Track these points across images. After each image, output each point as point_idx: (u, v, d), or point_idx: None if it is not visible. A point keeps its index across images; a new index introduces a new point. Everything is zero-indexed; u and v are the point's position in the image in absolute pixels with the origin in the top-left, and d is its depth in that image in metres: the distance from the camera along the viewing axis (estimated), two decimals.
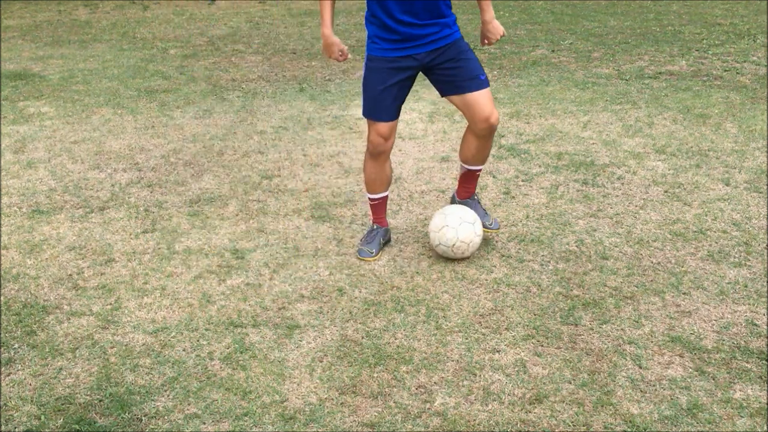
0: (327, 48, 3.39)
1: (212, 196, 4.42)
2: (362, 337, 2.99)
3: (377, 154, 3.47)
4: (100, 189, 4.55)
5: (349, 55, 3.53)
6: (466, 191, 3.75)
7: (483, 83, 3.32)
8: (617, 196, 4.31)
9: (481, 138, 3.42)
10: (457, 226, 3.46)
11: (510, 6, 11.67)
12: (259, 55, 8.55)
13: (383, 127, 3.38)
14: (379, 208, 3.71)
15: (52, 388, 2.72)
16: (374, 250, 3.61)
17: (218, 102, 6.48)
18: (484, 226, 3.65)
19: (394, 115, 3.39)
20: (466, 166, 3.63)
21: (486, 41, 3.50)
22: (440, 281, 3.41)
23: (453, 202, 3.83)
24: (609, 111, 5.94)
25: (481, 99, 3.30)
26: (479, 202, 3.78)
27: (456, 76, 3.30)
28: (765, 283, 3.34)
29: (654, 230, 3.86)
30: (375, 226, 3.72)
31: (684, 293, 3.28)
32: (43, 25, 11.10)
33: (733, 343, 2.91)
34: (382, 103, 3.34)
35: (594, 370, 2.76)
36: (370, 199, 3.69)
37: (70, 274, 3.52)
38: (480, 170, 3.68)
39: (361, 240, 3.72)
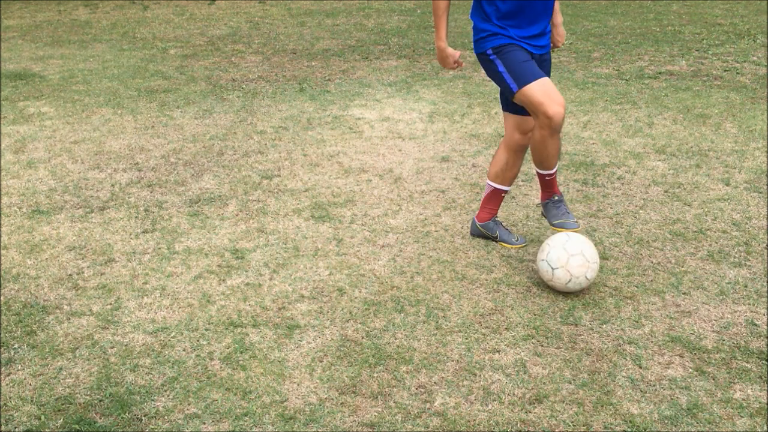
0: (444, 60, 3.48)
1: (212, 196, 4.42)
2: (362, 337, 2.99)
3: (559, 127, 3.25)
4: (100, 189, 4.55)
5: (464, 63, 3.53)
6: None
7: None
8: (617, 196, 4.31)
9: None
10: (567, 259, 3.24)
11: None
12: (259, 55, 8.55)
13: (549, 85, 3.22)
14: (555, 178, 3.61)
15: (52, 388, 2.72)
16: (575, 220, 3.56)
17: (218, 102, 6.48)
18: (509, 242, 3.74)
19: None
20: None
21: (553, 45, 3.58)
22: (440, 281, 3.41)
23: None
24: (609, 111, 5.94)
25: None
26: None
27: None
28: (765, 283, 3.34)
29: (654, 230, 3.86)
30: (557, 197, 3.61)
31: (684, 293, 3.28)
32: (43, 25, 11.10)
33: (733, 343, 2.91)
34: (533, 66, 3.29)
35: (594, 370, 2.76)
36: (548, 175, 3.53)
37: (70, 274, 3.52)
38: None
39: (554, 217, 3.57)
